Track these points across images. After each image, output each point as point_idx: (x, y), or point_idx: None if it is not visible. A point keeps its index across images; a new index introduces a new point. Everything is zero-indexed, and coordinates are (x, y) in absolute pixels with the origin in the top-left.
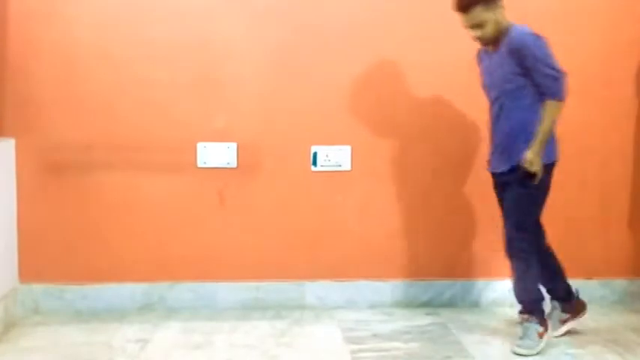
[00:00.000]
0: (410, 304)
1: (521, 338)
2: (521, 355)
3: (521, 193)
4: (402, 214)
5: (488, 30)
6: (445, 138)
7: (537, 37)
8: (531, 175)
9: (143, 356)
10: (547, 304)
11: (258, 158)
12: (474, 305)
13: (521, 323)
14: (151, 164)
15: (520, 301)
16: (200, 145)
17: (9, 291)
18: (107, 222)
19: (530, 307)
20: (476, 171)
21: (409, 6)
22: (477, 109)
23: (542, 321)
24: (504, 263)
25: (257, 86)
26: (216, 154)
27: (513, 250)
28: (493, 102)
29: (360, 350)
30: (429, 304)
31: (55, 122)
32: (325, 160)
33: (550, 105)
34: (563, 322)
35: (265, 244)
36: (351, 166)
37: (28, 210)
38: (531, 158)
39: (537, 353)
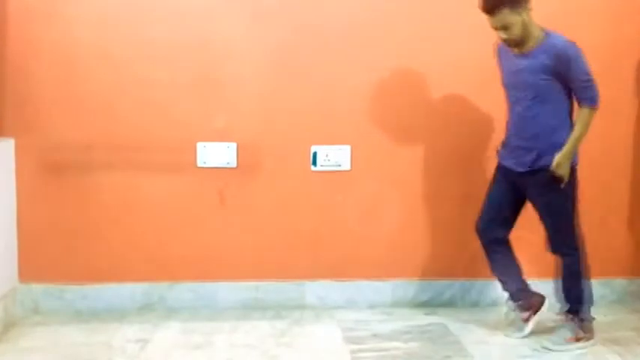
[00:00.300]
0: (410, 304)
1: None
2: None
3: (555, 198)
4: (402, 214)
5: (515, 32)
6: (446, 137)
7: (576, 45)
8: (558, 179)
9: (143, 356)
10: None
11: (258, 158)
12: (474, 305)
13: (564, 322)
14: (151, 164)
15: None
16: (200, 145)
17: (9, 291)
18: (107, 222)
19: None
20: (476, 171)
21: (410, 5)
22: (478, 109)
23: (586, 327)
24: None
25: (257, 86)
26: (216, 154)
27: (558, 252)
28: (516, 102)
29: (360, 350)
30: (428, 304)
31: (55, 122)
32: (325, 160)
33: (585, 111)
34: (526, 320)
35: (265, 243)
36: (351, 166)
37: (27, 210)
38: (561, 161)
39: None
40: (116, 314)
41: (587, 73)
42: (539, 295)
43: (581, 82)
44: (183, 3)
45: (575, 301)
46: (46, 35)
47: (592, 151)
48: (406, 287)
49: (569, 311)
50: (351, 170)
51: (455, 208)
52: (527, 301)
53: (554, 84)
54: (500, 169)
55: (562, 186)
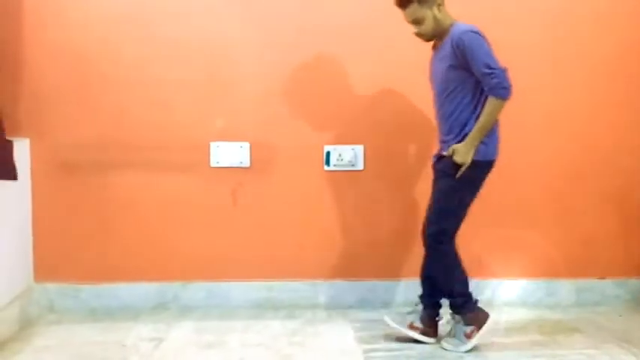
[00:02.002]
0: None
1: (449, 336)
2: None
3: (448, 185)
4: (415, 214)
5: (427, 26)
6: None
7: (476, 34)
8: (457, 167)
9: (157, 355)
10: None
11: (271, 158)
12: (488, 305)
13: (454, 322)
14: (165, 164)
15: (446, 296)
16: (213, 145)
17: (24, 290)
18: (121, 221)
19: (459, 302)
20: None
21: None
22: None
23: (470, 319)
24: (517, 263)
25: (270, 85)
26: (229, 154)
27: (431, 240)
28: (435, 97)
29: (373, 350)
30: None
31: (70, 122)
32: (338, 160)
33: (490, 102)
34: (469, 336)
35: (278, 243)
36: (364, 166)
37: (42, 210)
38: (459, 148)
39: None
40: (130, 313)
41: (488, 63)
42: (485, 312)
43: (482, 71)
44: (196, 3)
45: (451, 295)
46: (60, 37)
47: (605, 149)
48: (419, 287)
49: (451, 310)
50: (364, 170)
51: (471, 208)
52: (474, 315)
53: (463, 76)
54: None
55: (458, 175)
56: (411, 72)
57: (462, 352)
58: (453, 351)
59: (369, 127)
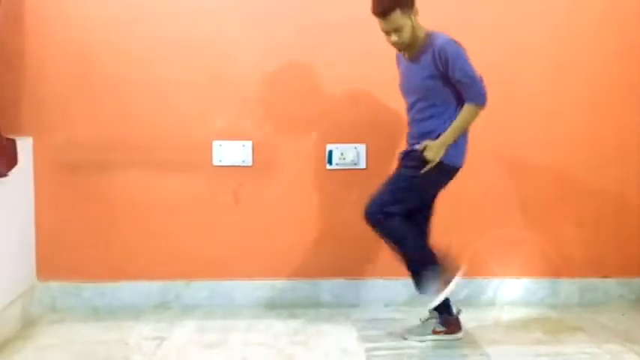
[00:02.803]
0: (425, 302)
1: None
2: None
3: (411, 176)
4: None
5: (405, 35)
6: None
7: (456, 44)
8: (424, 163)
9: (159, 354)
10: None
11: (274, 156)
12: (490, 304)
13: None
14: (167, 163)
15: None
16: (216, 144)
17: (27, 289)
18: (124, 220)
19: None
20: (490, 167)
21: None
22: (488, 109)
23: (445, 321)
24: (521, 262)
25: (272, 85)
26: (232, 153)
27: (377, 218)
28: (410, 105)
29: (375, 349)
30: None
31: (72, 121)
32: (340, 159)
33: (468, 108)
34: (436, 333)
35: (280, 242)
36: (367, 165)
37: (45, 208)
38: (431, 145)
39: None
40: (133, 312)
41: (468, 73)
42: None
43: (463, 81)
44: (199, 3)
45: (410, 261)
46: (62, 37)
47: (608, 148)
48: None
49: (414, 281)
50: (366, 169)
51: (473, 206)
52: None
53: (441, 85)
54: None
55: (423, 170)
56: None
57: (421, 341)
58: (412, 339)
59: (371, 126)
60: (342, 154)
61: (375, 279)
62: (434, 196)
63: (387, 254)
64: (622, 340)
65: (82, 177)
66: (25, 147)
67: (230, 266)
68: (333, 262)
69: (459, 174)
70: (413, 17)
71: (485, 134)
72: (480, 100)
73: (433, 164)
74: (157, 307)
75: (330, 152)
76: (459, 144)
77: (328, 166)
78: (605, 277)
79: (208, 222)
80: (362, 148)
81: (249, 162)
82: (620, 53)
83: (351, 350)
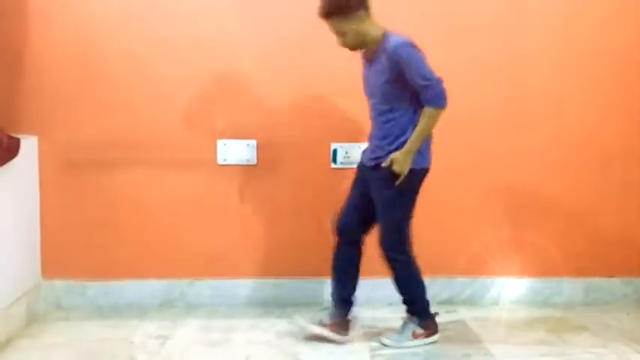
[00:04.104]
0: (430, 301)
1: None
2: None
3: (391, 196)
4: (422, 212)
5: (349, 39)
6: (464, 134)
7: (411, 47)
8: (395, 176)
9: (163, 353)
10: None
11: (278, 155)
12: (494, 303)
13: (407, 320)
14: (172, 161)
15: (404, 302)
16: (220, 143)
17: (32, 287)
18: (128, 219)
19: (416, 308)
20: (494, 166)
21: (428, 3)
22: (485, 111)
23: (424, 323)
24: (525, 261)
25: (277, 83)
26: (236, 152)
27: (391, 253)
28: (371, 107)
29: (380, 348)
30: (448, 302)
31: (77, 120)
32: (345, 158)
33: (427, 112)
34: (416, 336)
35: (284, 241)
36: None
37: (50, 207)
38: (397, 157)
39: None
40: (137, 311)
41: (425, 75)
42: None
43: (419, 83)
44: (203, 2)
45: (411, 302)
46: (67, 35)
47: (612, 148)
48: (426, 285)
49: (408, 311)
50: None
51: (475, 204)
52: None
53: (399, 88)
54: (358, 167)
55: (397, 183)
56: None
57: (401, 347)
58: (392, 346)
59: None
60: (346, 152)
61: (379, 278)
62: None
63: None
64: (627, 339)
65: (86, 176)
66: (30, 146)
67: (234, 265)
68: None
69: (461, 174)
70: (357, 22)
71: (489, 133)
72: (438, 103)
73: (404, 176)
74: (161, 305)
75: (335, 151)
76: (425, 147)
77: (333, 165)
78: (610, 276)
79: (213, 221)
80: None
81: (253, 161)
82: (624, 53)
83: (356, 349)
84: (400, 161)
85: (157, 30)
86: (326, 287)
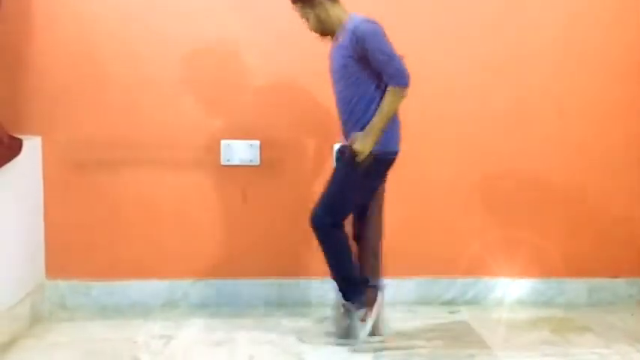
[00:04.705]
0: (433, 301)
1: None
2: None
3: (344, 174)
4: (425, 211)
5: (312, 25)
6: (467, 134)
7: (372, 23)
8: (355, 156)
9: (167, 352)
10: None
11: (281, 155)
12: (498, 303)
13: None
14: (175, 162)
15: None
16: (224, 143)
17: (36, 287)
18: (132, 219)
19: (346, 287)
20: (498, 167)
21: (430, 4)
22: (488, 111)
23: (359, 302)
24: (528, 261)
25: (280, 84)
26: (240, 152)
27: (315, 224)
28: (334, 87)
29: (383, 348)
30: (452, 302)
31: (81, 120)
32: None
33: (390, 91)
34: (363, 319)
35: (288, 241)
36: None
37: (54, 207)
38: (359, 137)
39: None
40: (140, 311)
41: (385, 51)
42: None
43: (379, 60)
44: (207, 2)
45: (341, 281)
46: (69, 35)
47: (616, 150)
48: (430, 285)
49: (343, 299)
50: None
51: (476, 205)
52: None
53: (361, 66)
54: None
55: (356, 162)
56: (417, 70)
57: (363, 337)
58: (346, 345)
59: None
60: None
61: (383, 278)
62: (373, 193)
63: (396, 253)
64: (631, 340)
65: (90, 176)
66: (33, 146)
67: (237, 265)
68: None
69: (464, 174)
70: (320, 9)
71: (493, 136)
72: (400, 80)
73: (364, 156)
74: (164, 305)
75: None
76: (389, 129)
77: (335, 165)
78: (614, 277)
79: (216, 221)
80: None
81: (256, 161)
82: (626, 53)
83: (359, 349)
84: (361, 140)
85: (160, 30)
86: (330, 287)
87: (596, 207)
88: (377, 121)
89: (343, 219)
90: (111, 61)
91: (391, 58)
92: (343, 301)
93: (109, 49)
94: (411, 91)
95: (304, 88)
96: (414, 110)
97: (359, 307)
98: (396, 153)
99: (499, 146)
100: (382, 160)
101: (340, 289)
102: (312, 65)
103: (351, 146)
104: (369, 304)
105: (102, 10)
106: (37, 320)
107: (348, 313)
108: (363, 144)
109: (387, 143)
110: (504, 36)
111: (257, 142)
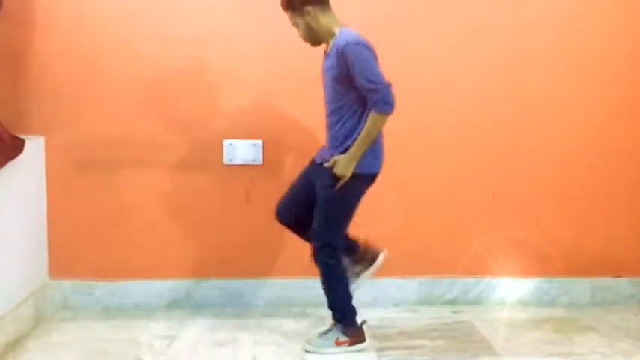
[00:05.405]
0: (436, 301)
1: (319, 336)
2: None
3: (330, 196)
4: (428, 211)
5: (302, 33)
6: (471, 135)
7: (361, 47)
8: (337, 179)
9: (170, 353)
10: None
11: (284, 155)
12: (501, 303)
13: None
14: (178, 161)
15: (330, 307)
16: (226, 143)
17: (39, 287)
18: (135, 219)
19: (340, 315)
20: (500, 167)
21: (435, 7)
22: (491, 112)
23: (348, 331)
24: (531, 261)
25: (283, 83)
26: (242, 152)
27: (319, 254)
28: (326, 106)
29: (386, 348)
30: (455, 302)
31: (84, 120)
32: None
33: (373, 116)
34: (339, 343)
35: (291, 240)
36: None
37: (58, 207)
38: (340, 160)
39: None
40: (144, 311)
41: (370, 78)
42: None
43: (363, 84)
44: (209, 1)
45: (335, 308)
46: (73, 35)
47: (618, 149)
48: (432, 285)
49: (333, 316)
50: None
51: (479, 205)
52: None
53: (346, 87)
54: (310, 160)
55: (338, 186)
56: (418, 70)
57: (322, 353)
58: (313, 352)
59: None
60: None
61: (385, 278)
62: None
63: (398, 253)
64: (634, 339)
65: (93, 176)
66: (37, 146)
67: (240, 265)
68: None
69: (467, 174)
70: (309, 17)
71: (495, 136)
72: (383, 108)
73: (345, 179)
74: (167, 305)
75: None
76: (372, 151)
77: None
78: (617, 276)
79: (219, 221)
80: None
81: (259, 161)
82: (629, 55)
83: (362, 349)
84: (342, 165)
85: (162, 30)
86: None
87: (599, 206)
88: (358, 146)
89: (340, 240)
90: (113, 61)
91: (376, 84)
92: (332, 318)
93: (112, 49)
94: (411, 91)
95: (307, 88)
96: (414, 110)
97: (343, 332)
98: (376, 175)
99: (501, 146)
100: (363, 180)
101: (334, 313)
102: (314, 65)
103: (331, 168)
104: (355, 339)
105: (104, 10)
106: (40, 320)
107: (330, 328)
108: (343, 168)
109: (368, 166)
110: (505, 37)
111: (260, 142)
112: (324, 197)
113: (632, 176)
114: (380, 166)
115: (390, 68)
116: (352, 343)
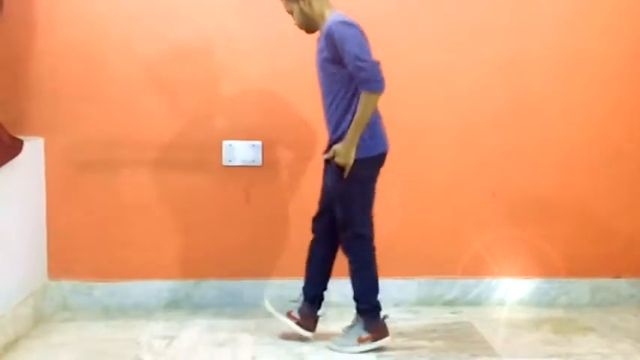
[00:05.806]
0: (435, 302)
1: (343, 333)
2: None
3: (342, 189)
4: (428, 211)
5: (296, 19)
6: (471, 134)
7: (347, 26)
8: (342, 169)
9: (169, 353)
10: None
11: (283, 156)
12: (501, 303)
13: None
14: (177, 162)
15: (355, 298)
16: (226, 143)
17: (38, 287)
18: (134, 220)
19: (364, 308)
20: (501, 166)
21: (436, 7)
22: (491, 111)
23: (371, 326)
24: (530, 261)
25: (283, 84)
26: (242, 152)
27: (350, 244)
28: (319, 86)
29: (386, 348)
30: (454, 303)
31: (83, 121)
32: None
33: (363, 96)
34: (362, 340)
35: (290, 241)
36: None
37: (57, 208)
38: (338, 150)
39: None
40: (143, 311)
41: (357, 55)
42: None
43: (352, 64)
44: (209, 2)
45: (360, 299)
46: (72, 35)
47: (619, 149)
48: (432, 285)
49: (357, 309)
50: None
51: (479, 205)
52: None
53: (338, 69)
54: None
55: (345, 175)
56: (418, 70)
57: (347, 352)
58: (336, 350)
59: None
60: None
61: (385, 279)
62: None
63: (398, 254)
64: (633, 340)
65: (93, 177)
66: (36, 147)
67: (240, 265)
68: (343, 261)
69: (467, 174)
70: (303, 3)
71: (495, 136)
72: (373, 86)
73: (349, 167)
74: (167, 306)
75: None
76: (369, 133)
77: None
78: (617, 277)
79: (218, 221)
80: None
81: (259, 162)
82: (630, 55)
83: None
84: (342, 154)
85: (162, 30)
86: (333, 287)
87: (599, 207)
88: (353, 131)
89: (370, 228)
90: (113, 62)
91: (363, 62)
92: (357, 313)
93: (111, 50)
94: (412, 91)
95: (307, 89)
96: (415, 110)
97: (365, 328)
98: (383, 154)
99: (501, 146)
100: (368, 165)
101: (358, 305)
102: (314, 66)
103: (332, 159)
104: (377, 335)
105: (104, 10)
106: (39, 320)
107: (353, 324)
108: (344, 157)
109: (370, 148)
110: (505, 36)
111: (259, 143)
112: (336, 190)
113: (632, 176)
114: (382, 145)
115: (390, 68)
116: (375, 339)
